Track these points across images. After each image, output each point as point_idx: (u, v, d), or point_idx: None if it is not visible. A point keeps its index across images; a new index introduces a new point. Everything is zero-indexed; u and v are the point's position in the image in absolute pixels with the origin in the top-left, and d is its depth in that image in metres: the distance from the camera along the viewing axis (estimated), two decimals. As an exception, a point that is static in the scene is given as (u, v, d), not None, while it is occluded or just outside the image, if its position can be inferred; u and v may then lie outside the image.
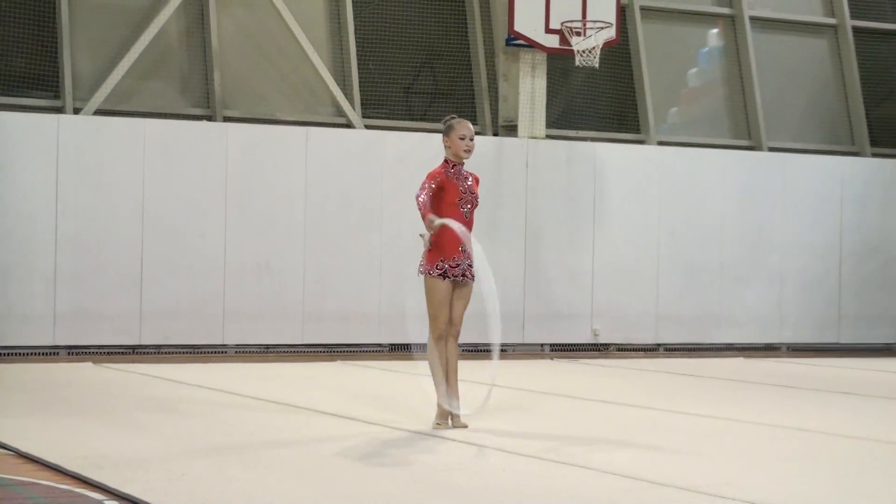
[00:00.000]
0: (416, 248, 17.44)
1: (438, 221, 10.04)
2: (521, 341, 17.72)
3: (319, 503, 7.27)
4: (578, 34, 17.63)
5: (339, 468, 8.37)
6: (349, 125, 17.61)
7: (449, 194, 10.23)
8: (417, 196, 10.13)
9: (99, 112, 16.41)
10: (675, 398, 12.83)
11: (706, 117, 20.08)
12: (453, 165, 10.36)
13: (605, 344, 18.30)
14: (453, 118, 10.49)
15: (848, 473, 8.61)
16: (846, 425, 10.96)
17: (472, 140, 10.40)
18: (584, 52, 17.58)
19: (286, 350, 16.85)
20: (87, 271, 15.94)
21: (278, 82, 17.66)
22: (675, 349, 18.68)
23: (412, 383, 13.82)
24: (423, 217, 10.03)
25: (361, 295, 17.04)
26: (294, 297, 16.81)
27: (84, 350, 15.96)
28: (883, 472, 8.74)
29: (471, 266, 10.30)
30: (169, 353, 16.29)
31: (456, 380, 10.39)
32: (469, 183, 10.37)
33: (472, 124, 10.65)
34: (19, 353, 15.69)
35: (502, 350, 17.73)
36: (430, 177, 10.25)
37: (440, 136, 18.09)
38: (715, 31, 20.28)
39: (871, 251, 19.80)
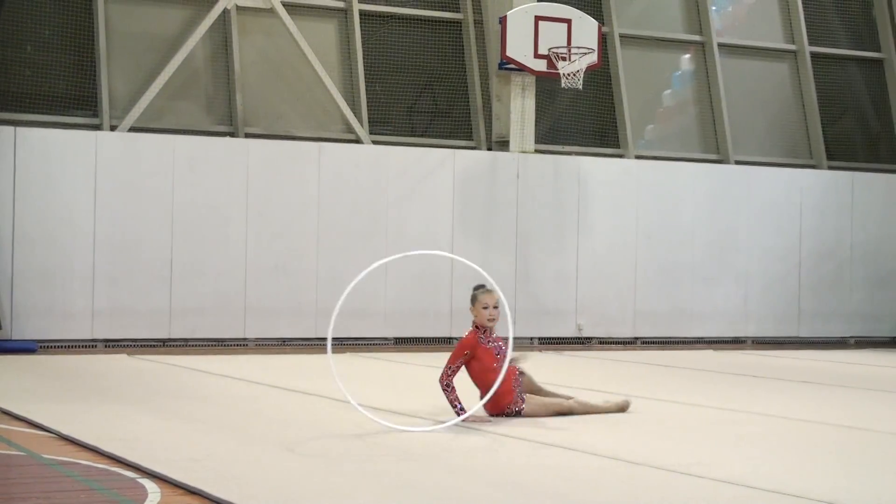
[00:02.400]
0: (416, 250, 17.48)
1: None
2: (512, 335, 17.66)
3: (330, 479, 7.26)
4: (564, 59, 17.63)
5: (348, 447, 8.36)
6: (358, 141, 17.61)
7: (485, 360, 9.72)
8: (441, 380, 9.50)
9: (133, 129, 16.42)
10: (651, 386, 12.82)
11: (679, 134, 20.08)
12: (483, 331, 9.76)
13: (588, 337, 18.29)
14: (479, 289, 9.82)
15: (806, 454, 8.60)
16: (805, 411, 10.95)
17: (495, 308, 9.72)
18: (569, 75, 17.58)
19: (301, 343, 16.84)
20: (123, 272, 15.94)
21: (294, 102, 17.66)
22: (650, 342, 18.67)
23: (409, 373, 13.83)
24: (450, 401, 9.47)
25: (369, 293, 17.03)
26: (308, 295, 16.80)
27: (119, 343, 15.95)
28: (837, 452, 8.73)
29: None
30: (196, 345, 16.28)
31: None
32: (501, 345, 9.77)
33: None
34: (61, 346, 15.68)
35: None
36: (461, 347, 9.64)
37: (439, 150, 18.21)
38: (687, 56, 20.28)
39: (828, 254, 19.80)
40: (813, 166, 20.48)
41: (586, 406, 10.22)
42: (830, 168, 20.46)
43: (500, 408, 9.81)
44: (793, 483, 7.30)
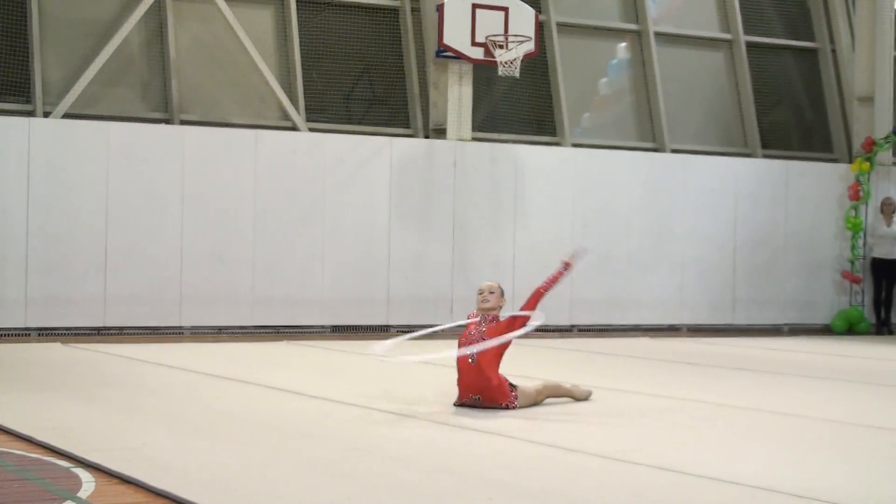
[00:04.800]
0: (353, 237, 17.46)
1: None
2: (450, 322, 17.69)
3: (268, 468, 7.24)
4: (501, 47, 17.64)
5: (285, 435, 8.34)
6: (294, 128, 17.55)
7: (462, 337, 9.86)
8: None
9: (67, 116, 16.26)
10: (588, 374, 12.87)
11: (615, 122, 20.16)
12: (479, 316, 9.99)
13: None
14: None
15: (742, 440, 8.68)
16: (740, 397, 11.04)
17: (491, 293, 10.14)
18: (506, 63, 17.60)
19: (237, 331, 16.76)
20: (56, 260, 15.80)
21: (230, 89, 17.57)
22: (587, 330, 18.74)
23: (347, 360, 13.83)
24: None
25: (305, 281, 16.99)
26: (244, 284, 16.73)
27: (53, 331, 15.81)
28: (771, 439, 8.81)
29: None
30: (131, 334, 16.16)
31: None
32: (482, 328, 9.83)
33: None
34: (-6, 335, 15.54)
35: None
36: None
37: (376, 137, 18.20)
38: (623, 44, 20.36)
39: (762, 242, 19.96)
40: (748, 155, 20.64)
41: (560, 389, 10.31)
42: (765, 157, 20.62)
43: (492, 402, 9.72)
44: (728, 469, 7.36)
